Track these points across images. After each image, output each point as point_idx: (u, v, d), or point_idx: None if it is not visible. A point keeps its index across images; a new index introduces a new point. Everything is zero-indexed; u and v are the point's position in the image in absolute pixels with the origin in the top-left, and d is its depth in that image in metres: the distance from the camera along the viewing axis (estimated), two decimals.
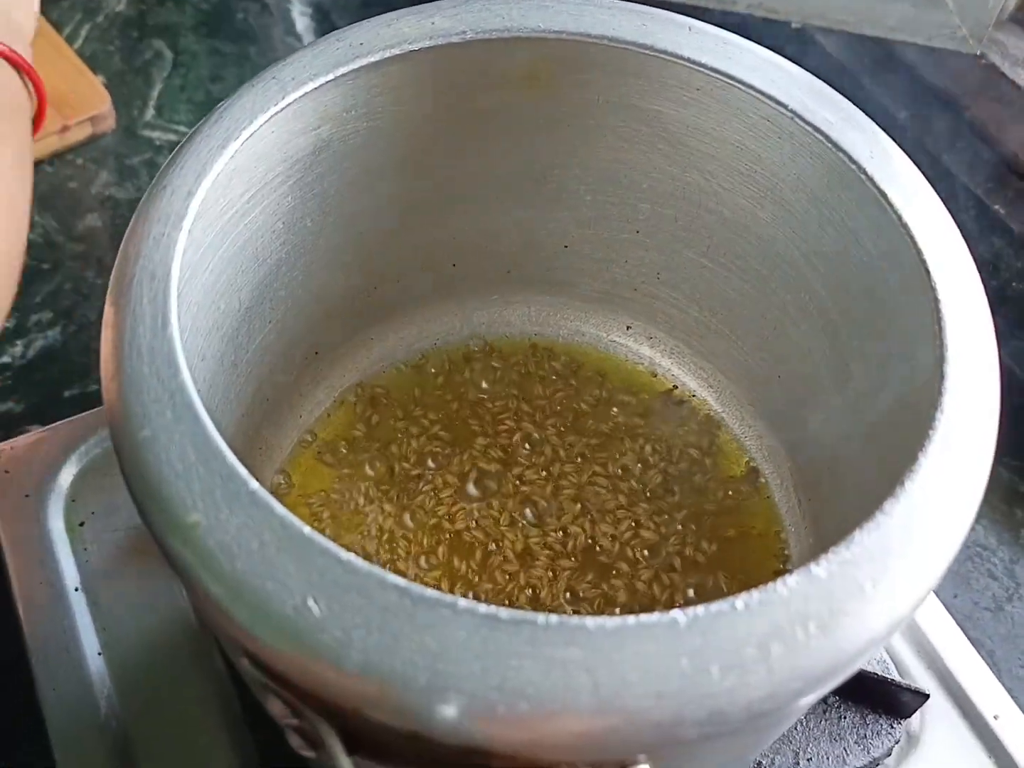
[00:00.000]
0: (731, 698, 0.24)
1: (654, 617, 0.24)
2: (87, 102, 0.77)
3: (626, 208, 0.44)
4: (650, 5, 0.37)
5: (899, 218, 0.32)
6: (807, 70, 0.63)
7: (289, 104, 0.33)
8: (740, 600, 0.25)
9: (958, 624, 0.50)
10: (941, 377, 0.29)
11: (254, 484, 0.26)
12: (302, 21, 0.93)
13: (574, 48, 0.36)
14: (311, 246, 0.41)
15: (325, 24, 0.92)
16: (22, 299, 0.72)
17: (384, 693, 0.24)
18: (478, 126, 0.41)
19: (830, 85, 0.37)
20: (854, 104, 0.36)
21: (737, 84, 0.35)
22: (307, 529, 0.25)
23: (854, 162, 0.33)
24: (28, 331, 0.71)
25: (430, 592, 0.24)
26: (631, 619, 0.24)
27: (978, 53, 0.69)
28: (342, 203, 0.41)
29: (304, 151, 0.37)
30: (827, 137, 0.33)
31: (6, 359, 0.70)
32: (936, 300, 0.31)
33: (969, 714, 0.46)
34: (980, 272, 0.62)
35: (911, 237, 0.32)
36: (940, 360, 0.29)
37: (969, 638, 0.49)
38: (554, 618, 0.24)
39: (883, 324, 0.35)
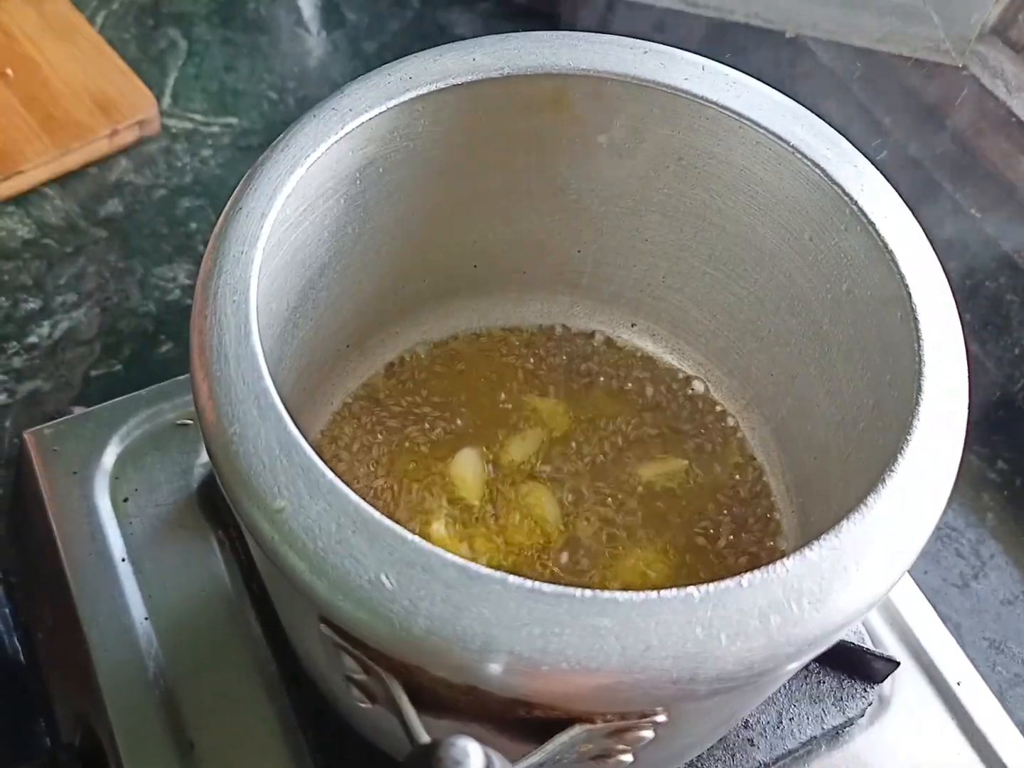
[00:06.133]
0: (736, 660, 0.29)
1: (673, 592, 0.29)
2: (135, 106, 0.80)
3: (636, 219, 0.48)
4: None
5: (884, 244, 0.37)
6: (800, 76, 0.68)
7: (347, 133, 0.37)
8: (745, 579, 0.29)
9: (928, 599, 0.55)
10: (919, 388, 0.33)
11: (331, 474, 0.30)
12: (310, 12, 0.96)
13: (597, 82, 0.40)
14: (350, 251, 0.45)
15: (334, 16, 0.95)
16: (47, 281, 0.76)
17: (446, 653, 0.28)
18: (505, 144, 0.45)
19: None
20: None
21: (743, 120, 0.39)
22: (378, 513, 0.30)
23: (846, 194, 0.37)
24: (53, 312, 0.75)
25: (484, 569, 0.29)
26: (653, 594, 0.29)
27: (960, 65, 0.73)
28: (380, 212, 0.45)
29: (352, 168, 0.41)
30: (823, 170, 0.38)
31: (33, 339, 0.73)
32: (915, 318, 0.35)
33: (935, 680, 0.52)
34: (955, 271, 0.67)
35: (894, 261, 0.36)
36: (918, 372, 0.34)
37: (937, 612, 0.54)
38: (588, 592, 0.29)
39: (866, 334, 0.40)
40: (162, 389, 0.57)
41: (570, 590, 0.29)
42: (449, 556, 0.29)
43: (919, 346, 0.34)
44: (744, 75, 0.40)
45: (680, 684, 0.28)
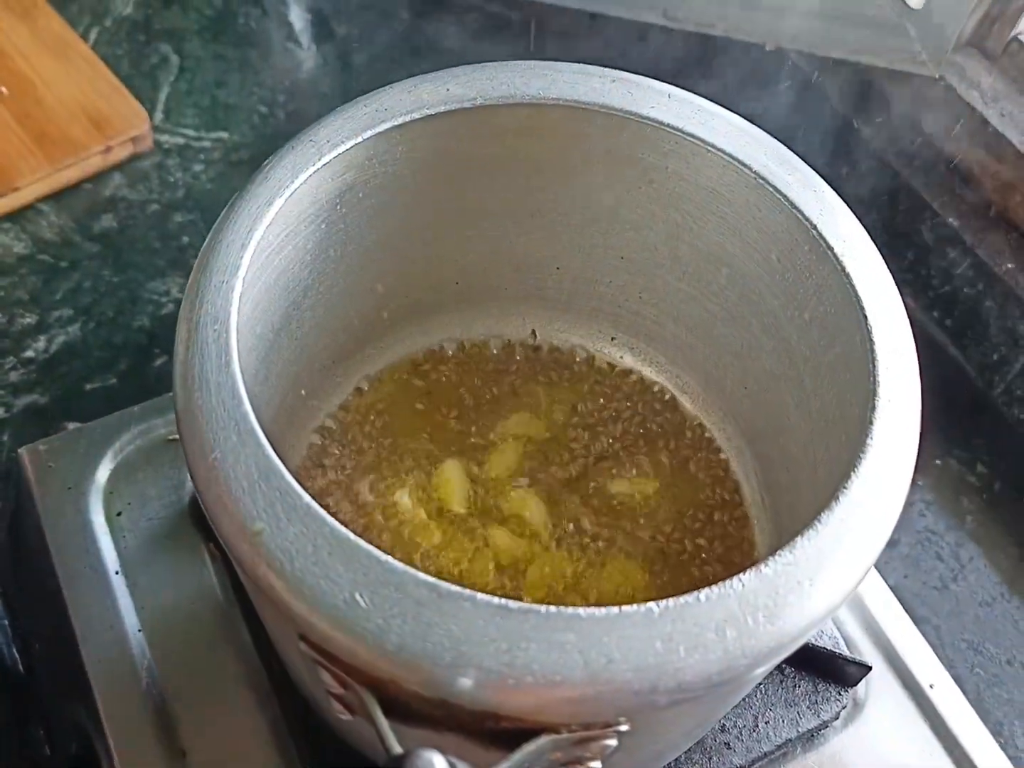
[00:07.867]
0: (694, 672, 0.30)
1: (633, 607, 0.30)
2: (128, 122, 0.81)
3: (612, 237, 0.50)
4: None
5: (842, 267, 0.38)
6: (781, 86, 0.70)
7: (325, 164, 0.38)
8: (703, 594, 0.31)
9: (907, 602, 0.56)
10: (872, 408, 0.35)
11: (307, 498, 0.31)
12: (301, 26, 0.97)
13: (568, 110, 0.41)
14: (333, 272, 0.46)
15: (324, 30, 0.96)
16: (43, 296, 0.77)
17: (417, 669, 0.30)
18: (482, 167, 0.46)
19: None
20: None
21: (708, 146, 0.40)
22: (352, 536, 0.31)
23: (807, 218, 0.39)
24: (49, 327, 0.76)
25: (454, 587, 0.30)
26: (615, 609, 0.30)
27: (937, 76, 0.75)
28: (361, 235, 0.46)
29: (332, 194, 0.42)
30: (785, 196, 0.39)
31: (29, 353, 0.75)
32: (871, 340, 0.37)
33: (908, 683, 0.53)
34: (935, 279, 0.68)
35: (851, 284, 0.38)
36: (872, 393, 0.35)
37: (917, 615, 0.56)
38: (553, 609, 0.30)
39: (830, 352, 0.41)
40: (154, 405, 0.59)
41: (535, 606, 0.30)
42: (420, 575, 0.31)
43: (874, 367, 0.36)
44: (710, 102, 0.41)
45: (641, 695, 0.30)
